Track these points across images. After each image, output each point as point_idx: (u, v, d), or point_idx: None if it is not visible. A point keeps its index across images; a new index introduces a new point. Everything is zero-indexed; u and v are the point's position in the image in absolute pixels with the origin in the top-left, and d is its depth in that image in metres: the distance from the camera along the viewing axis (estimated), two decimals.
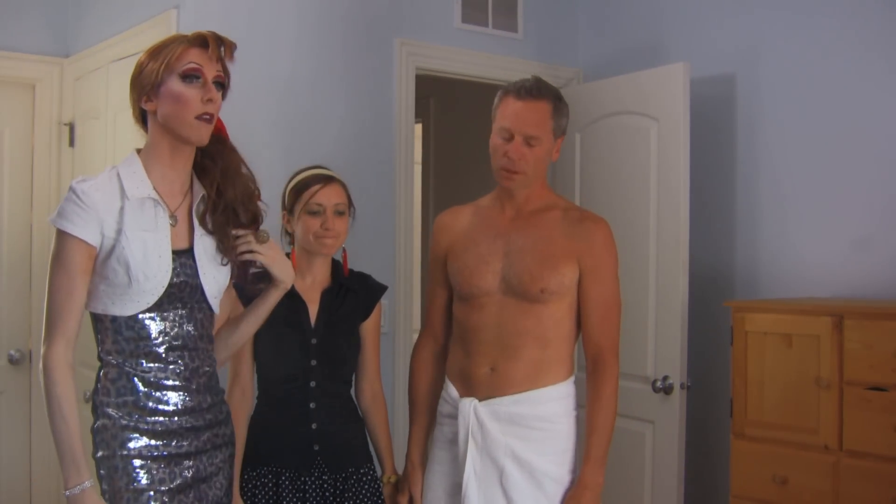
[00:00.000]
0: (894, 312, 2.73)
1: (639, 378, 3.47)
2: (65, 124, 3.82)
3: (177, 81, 1.88)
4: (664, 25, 3.85)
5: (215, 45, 1.90)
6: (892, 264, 3.12)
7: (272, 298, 2.14)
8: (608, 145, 3.76)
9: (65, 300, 1.83)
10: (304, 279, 2.48)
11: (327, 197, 2.42)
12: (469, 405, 2.33)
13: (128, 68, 2.00)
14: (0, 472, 3.72)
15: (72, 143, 3.81)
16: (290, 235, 2.50)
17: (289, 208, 2.46)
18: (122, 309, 1.88)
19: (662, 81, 3.51)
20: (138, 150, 1.98)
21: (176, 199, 1.97)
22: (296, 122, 3.33)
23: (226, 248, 2.00)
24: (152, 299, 1.90)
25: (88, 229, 1.84)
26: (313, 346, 2.43)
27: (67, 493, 1.80)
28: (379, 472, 2.54)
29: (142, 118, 1.97)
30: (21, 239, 3.78)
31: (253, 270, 2.07)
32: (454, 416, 2.37)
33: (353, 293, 2.51)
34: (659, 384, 3.42)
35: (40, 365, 1.83)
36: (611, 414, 2.33)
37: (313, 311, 2.46)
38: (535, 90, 2.32)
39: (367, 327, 2.53)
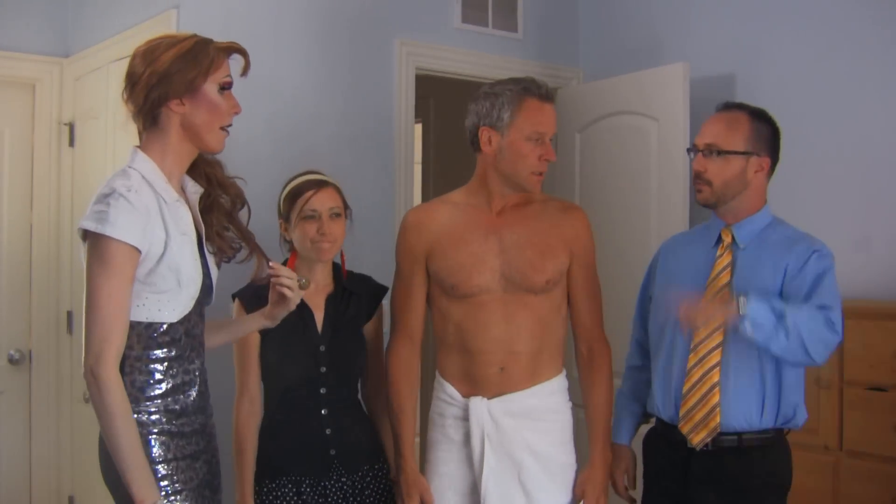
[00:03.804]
0: (894, 312, 2.73)
1: None
2: (65, 124, 3.81)
3: (214, 90, 1.88)
4: (664, 25, 3.85)
5: (247, 62, 1.92)
6: (892, 264, 3.11)
7: (254, 326, 2.20)
8: (608, 145, 3.76)
9: (118, 312, 1.75)
10: None
11: (321, 201, 2.41)
12: (482, 405, 2.32)
13: None
14: (0, 472, 3.72)
15: (72, 143, 3.80)
16: (288, 243, 2.49)
17: (285, 216, 2.45)
18: (170, 315, 1.85)
19: (662, 81, 3.51)
20: (137, 147, 1.93)
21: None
22: (296, 122, 3.32)
23: (222, 237, 2.00)
24: (192, 302, 1.89)
25: (139, 235, 1.77)
26: (322, 352, 2.42)
27: None
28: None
29: (146, 117, 1.89)
30: (21, 239, 3.77)
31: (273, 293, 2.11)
32: (460, 418, 2.36)
33: (357, 296, 2.51)
34: None
35: (93, 380, 1.73)
36: (612, 394, 2.43)
37: (319, 317, 2.45)
38: (550, 92, 2.38)
39: (370, 329, 2.54)
